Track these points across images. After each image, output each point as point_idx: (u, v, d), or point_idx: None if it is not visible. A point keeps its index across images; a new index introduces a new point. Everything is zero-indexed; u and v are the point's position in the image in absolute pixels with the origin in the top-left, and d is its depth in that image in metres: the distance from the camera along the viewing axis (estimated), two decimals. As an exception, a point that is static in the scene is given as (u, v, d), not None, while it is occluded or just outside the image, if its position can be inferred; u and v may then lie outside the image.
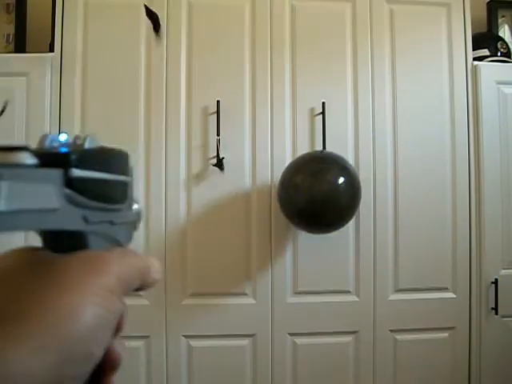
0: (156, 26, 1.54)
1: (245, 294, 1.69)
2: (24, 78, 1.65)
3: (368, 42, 1.77)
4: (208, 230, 1.69)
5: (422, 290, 1.75)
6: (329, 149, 1.69)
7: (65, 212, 0.25)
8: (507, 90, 1.79)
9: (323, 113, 1.70)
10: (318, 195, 1.51)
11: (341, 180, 1.54)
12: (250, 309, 1.69)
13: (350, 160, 1.72)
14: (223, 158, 1.66)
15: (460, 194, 1.76)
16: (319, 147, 1.70)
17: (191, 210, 1.68)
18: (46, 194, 0.23)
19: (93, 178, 0.27)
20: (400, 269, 1.74)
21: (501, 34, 1.99)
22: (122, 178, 0.31)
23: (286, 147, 1.72)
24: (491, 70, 1.79)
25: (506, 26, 2.01)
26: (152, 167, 1.68)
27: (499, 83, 1.78)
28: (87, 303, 0.24)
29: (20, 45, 1.82)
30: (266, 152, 1.71)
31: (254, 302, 1.69)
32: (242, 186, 1.70)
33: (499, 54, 1.89)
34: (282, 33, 1.74)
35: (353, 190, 1.56)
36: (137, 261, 0.30)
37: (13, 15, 1.83)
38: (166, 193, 1.68)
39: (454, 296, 1.76)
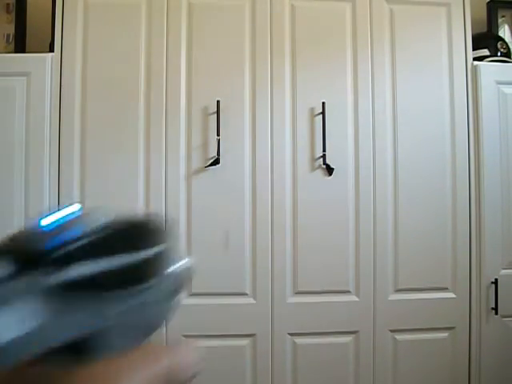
0: None
1: (245, 294, 1.69)
2: (24, 78, 1.65)
3: (368, 42, 1.76)
4: (208, 229, 1.68)
5: (422, 289, 1.75)
6: (329, 149, 1.69)
7: (57, 323, 0.19)
8: (507, 89, 1.79)
9: (323, 113, 1.70)
10: None
11: None
12: (250, 309, 1.69)
13: (350, 160, 1.72)
14: (218, 157, 1.66)
15: (460, 194, 1.76)
16: (319, 147, 1.70)
17: (191, 209, 1.68)
18: (22, 315, 0.17)
19: (97, 271, 0.21)
20: (400, 269, 1.74)
21: (501, 34, 1.99)
22: (143, 254, 0.24)
23: (286, 147, 1.71)
24: (491, 70, 1.79)
25: (506, 26, 2.01)
26: (152, 167, 1.68)
27: (499, 83, 1.78)
28: None
29: (20, 45, 1.82)
30: (265, 152, 1.71)
31: (254, 301, 1.69)
32: (242, 185, 1.70)
33: (499, 53, 1.89)
34: (282, 33, 1.74)
35: None
36: (158, 365, 0.24)
37: (13, 15, 1.83)
38: (165, 193, 1.67)
39: (454, 296, 1.76)
